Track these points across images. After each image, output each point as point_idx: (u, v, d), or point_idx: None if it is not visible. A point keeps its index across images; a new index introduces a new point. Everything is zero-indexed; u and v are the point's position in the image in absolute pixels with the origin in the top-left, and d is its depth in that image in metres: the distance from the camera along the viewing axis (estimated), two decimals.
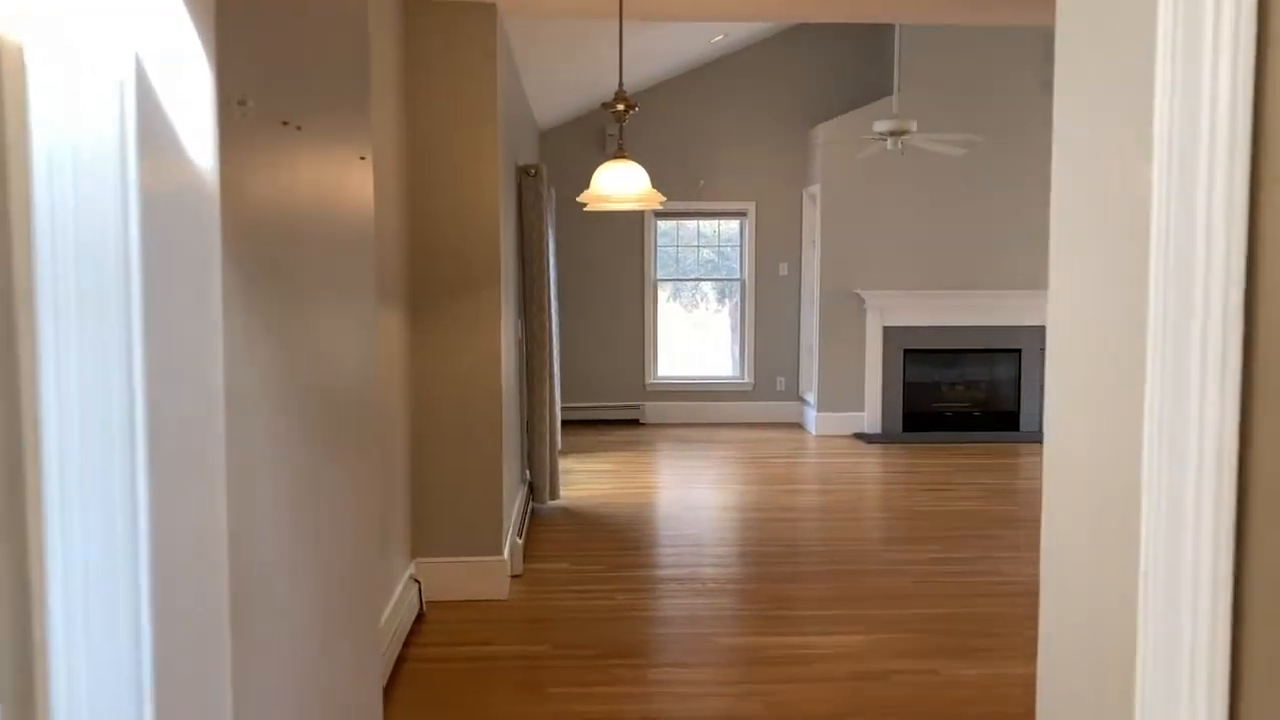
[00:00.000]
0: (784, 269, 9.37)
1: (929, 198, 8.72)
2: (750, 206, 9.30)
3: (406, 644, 3.95)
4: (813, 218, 9.03)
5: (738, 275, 9.50)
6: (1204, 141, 1.04)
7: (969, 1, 4.77)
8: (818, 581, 4.83)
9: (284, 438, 1.71)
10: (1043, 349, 1.47)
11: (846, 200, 8.72)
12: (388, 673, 3.64)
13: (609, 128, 8.85)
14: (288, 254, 1.71)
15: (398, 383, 4.16)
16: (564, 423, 8.13)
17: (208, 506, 1.14)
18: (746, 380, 9.48)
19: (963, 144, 7.43)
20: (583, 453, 7.92)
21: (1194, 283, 1.05)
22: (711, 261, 9.62)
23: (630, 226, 9.21)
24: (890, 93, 8.17)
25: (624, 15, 4.13)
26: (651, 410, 9.34)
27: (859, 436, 8.73)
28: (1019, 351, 8.90)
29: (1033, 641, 4.11)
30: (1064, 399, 1.42)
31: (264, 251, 1.57)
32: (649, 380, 9.40)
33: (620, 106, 3.93)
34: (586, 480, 6.99)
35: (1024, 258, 8.79)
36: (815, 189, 8.89)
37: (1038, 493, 5.71)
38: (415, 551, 4.47)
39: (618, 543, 5.49)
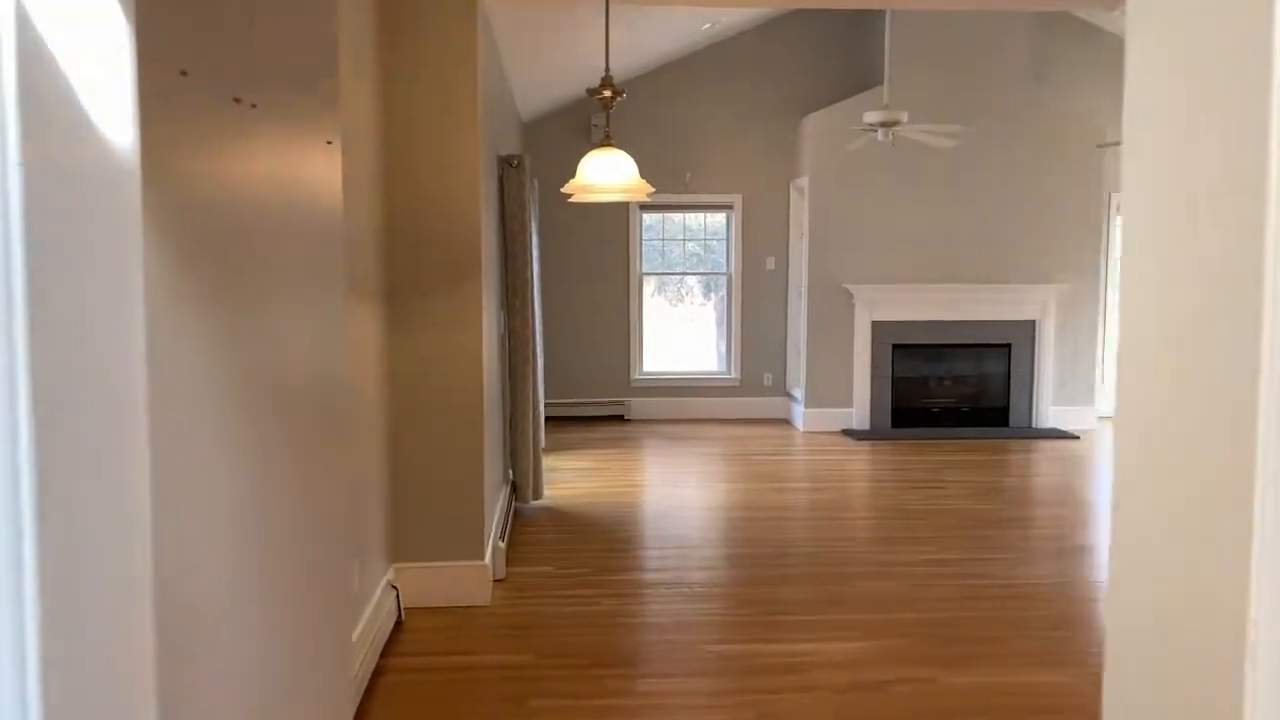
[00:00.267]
0: (771, 263, 9.23)
1: (918, 190, 8.59)
2: (737, 199, 9.15)
3: (384, 654, 3.79)
4: (800, 210, 8.88)
5: (724, 269, 9.35)
6: None
7: None
8: (808, 584, 4.69)
9: (232, 441, 1.55)
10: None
11: (835, 193, 8.58)
12: (364, 685, 3.47)
13: (594, 118, 8.68)
14: (239, 242, 1.54)
15: (374, 380, 3.99)
16: (547, 419, 7.97)
17: (124, 528, 0.97)
18: (733, 376, 9.34)
19: (953, 135, 7.30)
20: (567, 450, 7.76)
21: None
22: (697, 255, 9.47)
23: (615, 219, 9.04)
24: (879, 83, 8.03)
25: None
26: (637, 406, 9.18)
27: (847, 433, 8.60)
28: (1009, 346, 8.80)
29: (1032, 648, 3.94)
30: (1145, 394, 1.30)
31: (209, 239, 1.41)
32: (634, 376, 9.24)
33: (607, 93, 3.76)
34: (571, 479, 6.83)
35: (1014, 252, 8.69)
36: (803, 181, 8.75)
37: (1028, 491, 5.58)
38: (393, 556, 4.30)
39: (603, 544, 5.34)
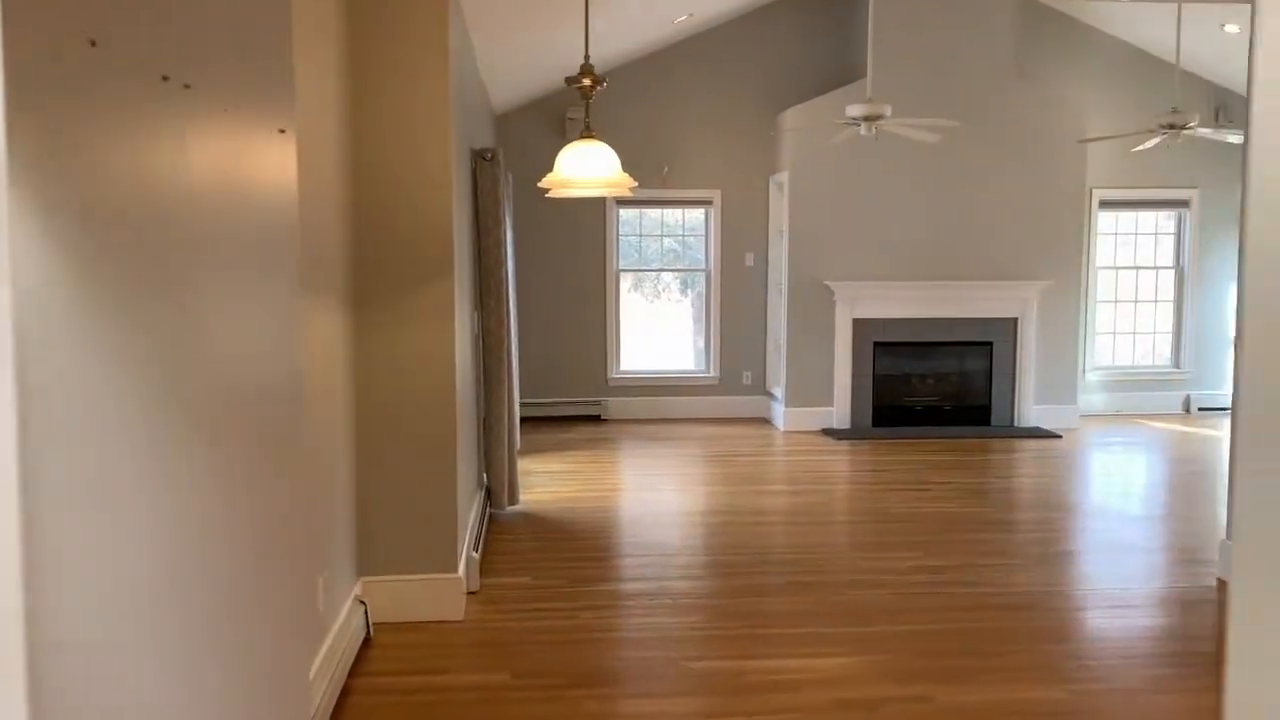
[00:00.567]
0: (750, 259, 9.07)
1: (900, 186, 8.45)
2: (715, 194, 8.97)
3: (352, 674, 3.58)
4: (780, 206, 8.72)
5: (702, 266, 9.17)
6: None
7: None
8: (794, 594, 4.52)
9: (161, 450, 1.35)
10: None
11: (815, 188, 8.43)
12: (330, 707, 3.27)
13: (569, 111, 8.47)
14: (164, 235, 1.34)
15: (340, 383, 3.78)
16: (522, 420, 7.77)
17: None
18: (712, 374, 9.16)
19: (938, 128, 7.15)
20: (542, 452, 7.56)
21: None
22: (674, 251, 9.29)
23: (591, 215, 8.84)
24: (860, 77, 7.87)
25: None
26: (614, 406, 8.99)
27: (827, 432, 8.46)
28: (990, 344, 8.68)
29: (1033, 661, 3.74)
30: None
31: (121, 232, 1.21)
32: (611, 375, 9.05)
33: (587, 82, 3.56)
34: (547, 483, 6.64)
35: (996, 248, 8.57)
36: (783, 176, 8.58)
37: (1014, 493, 5.41)
38: (361, 569, 4.09)
39: (581, 553, 5.15)
